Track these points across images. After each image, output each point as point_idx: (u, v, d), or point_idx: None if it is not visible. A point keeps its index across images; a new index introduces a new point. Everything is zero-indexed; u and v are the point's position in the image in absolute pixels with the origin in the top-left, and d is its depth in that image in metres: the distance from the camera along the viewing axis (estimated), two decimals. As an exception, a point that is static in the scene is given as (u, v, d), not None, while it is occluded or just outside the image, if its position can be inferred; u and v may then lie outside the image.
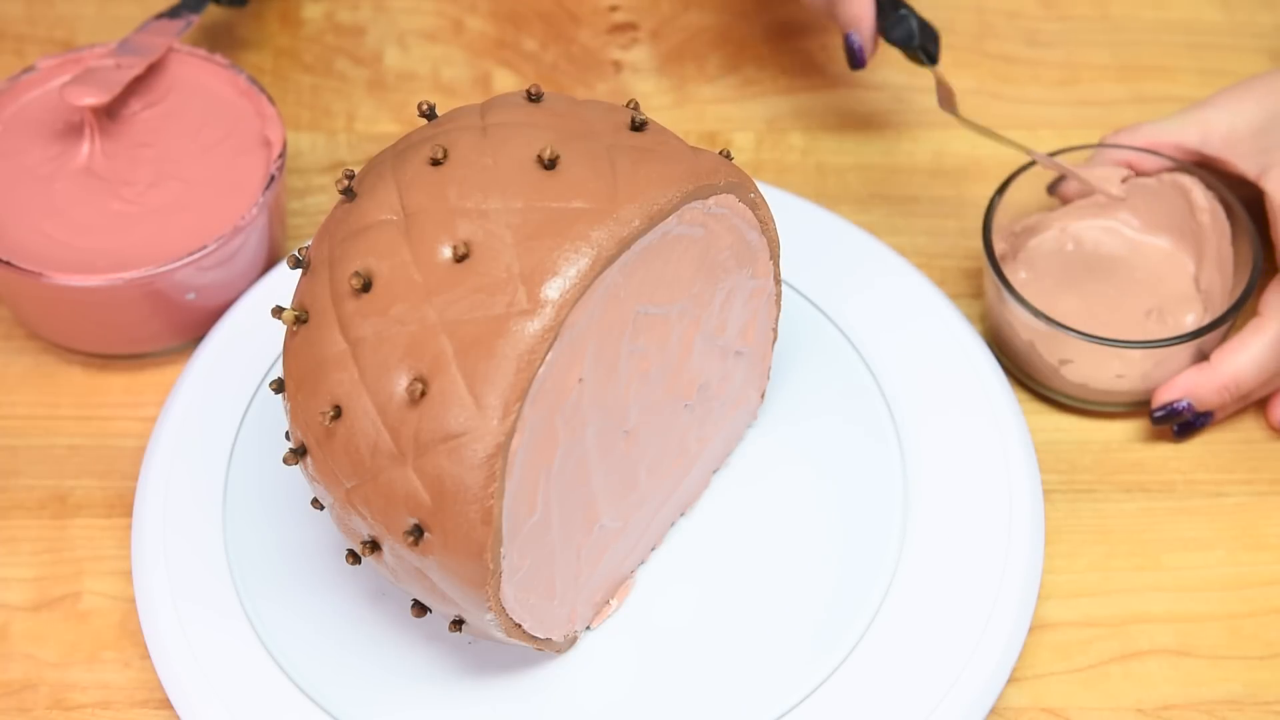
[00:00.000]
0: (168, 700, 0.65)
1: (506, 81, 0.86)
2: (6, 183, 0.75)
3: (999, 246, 0.75)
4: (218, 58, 0.79)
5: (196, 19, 0.80)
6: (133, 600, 0.68)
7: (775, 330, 0.69)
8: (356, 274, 0.55)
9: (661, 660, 0.65)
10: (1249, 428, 0.74)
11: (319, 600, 0.66)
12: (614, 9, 0.89)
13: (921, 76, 0.86)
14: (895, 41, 0.75)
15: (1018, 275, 0.74)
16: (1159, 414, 0.71)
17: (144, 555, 0.67)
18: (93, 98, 0.74)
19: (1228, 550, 0.70)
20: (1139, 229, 0.76)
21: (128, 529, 0.71)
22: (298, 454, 0.58)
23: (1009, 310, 0.71)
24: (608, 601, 0.66)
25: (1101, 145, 0.76)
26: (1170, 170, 0.74)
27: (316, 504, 0.61)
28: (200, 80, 0.78)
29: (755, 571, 0.67)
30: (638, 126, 0.59)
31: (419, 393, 0.54)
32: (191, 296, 0.73)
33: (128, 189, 0.75)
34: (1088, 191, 0.75)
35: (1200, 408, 0.71)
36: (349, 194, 0.58)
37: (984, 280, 0.73)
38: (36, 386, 0.75)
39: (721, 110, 0.85)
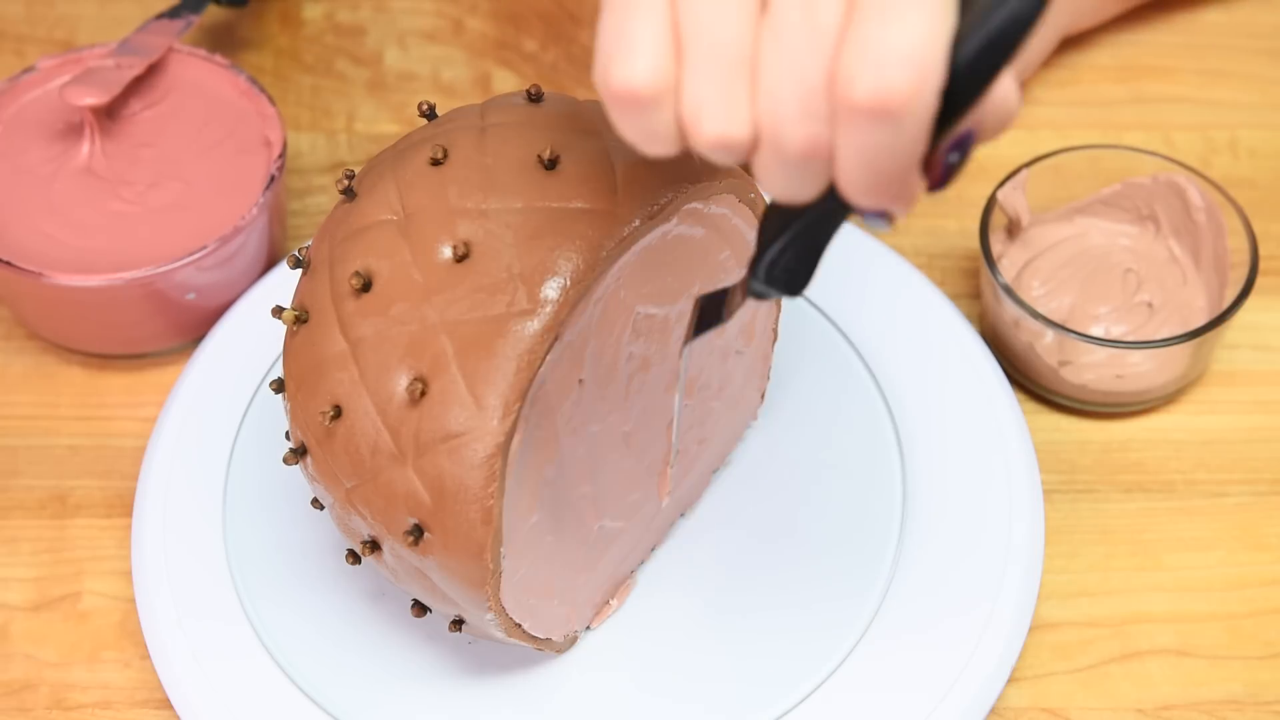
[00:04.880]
0: (168, 700, 0.65)
1: (506, 81, 0.86)
2: (6, 183, 0.75)
3: (997, 248, 0.75)
4: (218, 58, 0.78)
5: (196, 19, 0.80)
6: (133, 600, 0.68)
7: (775, 330, 0.69)
8: (356, 274, 0.55)
9: (661, 660, 0.65)
10: (1249, 427, 0.74)
11: (319, 600, 0.66)
12: (614, 9, 0.89)
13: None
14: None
15: (1030, 284, 0.75)
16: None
17: (144, 555, 0.67)
18: (93, 98, 0.74)
19: (1228, 550, 0.70)
20: (1138, 230, 0.76)
21: (128, 529, 0.71)
22: (298, 454, 0.58)
23: (1007, 311, 0.71)
24: (608, 601, 0.66)
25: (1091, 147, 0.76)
26: (1165, 170, 0.75)
27: (316, 504, 0.61)
28: (200, 80, 0.78)
29: (755, 571, 0.67)
30: None
31: (419, 393, 0.54)
32: (191, 296, 0.73)
33: (128, 189, 0.75)
34: None
35: None
36: (349, 194, 0.58)
37: (981, 281, 0.73)
38: (36, 386, 0.75)
39: (721, 110, 0.85)
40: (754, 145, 0.44)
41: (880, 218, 0.45)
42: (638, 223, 0.56)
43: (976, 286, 0.78)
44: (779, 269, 0.49)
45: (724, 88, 0.43)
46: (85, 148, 0.75)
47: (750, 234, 0.63)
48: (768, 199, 0.48)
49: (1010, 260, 0.75)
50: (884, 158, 0.42)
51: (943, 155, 0.45)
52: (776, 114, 0.43)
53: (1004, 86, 0.45)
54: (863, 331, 0.73)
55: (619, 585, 0.67)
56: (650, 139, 0.45)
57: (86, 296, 0.71)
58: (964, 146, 0.45)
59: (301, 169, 0.83)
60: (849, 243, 0.75)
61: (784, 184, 0.44)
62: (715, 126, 0.43)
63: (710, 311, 0.54)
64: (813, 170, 0.44)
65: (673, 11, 0.44)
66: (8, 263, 0.71)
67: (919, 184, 0.45)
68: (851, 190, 0.44)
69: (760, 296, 0.50)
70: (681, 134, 0.44)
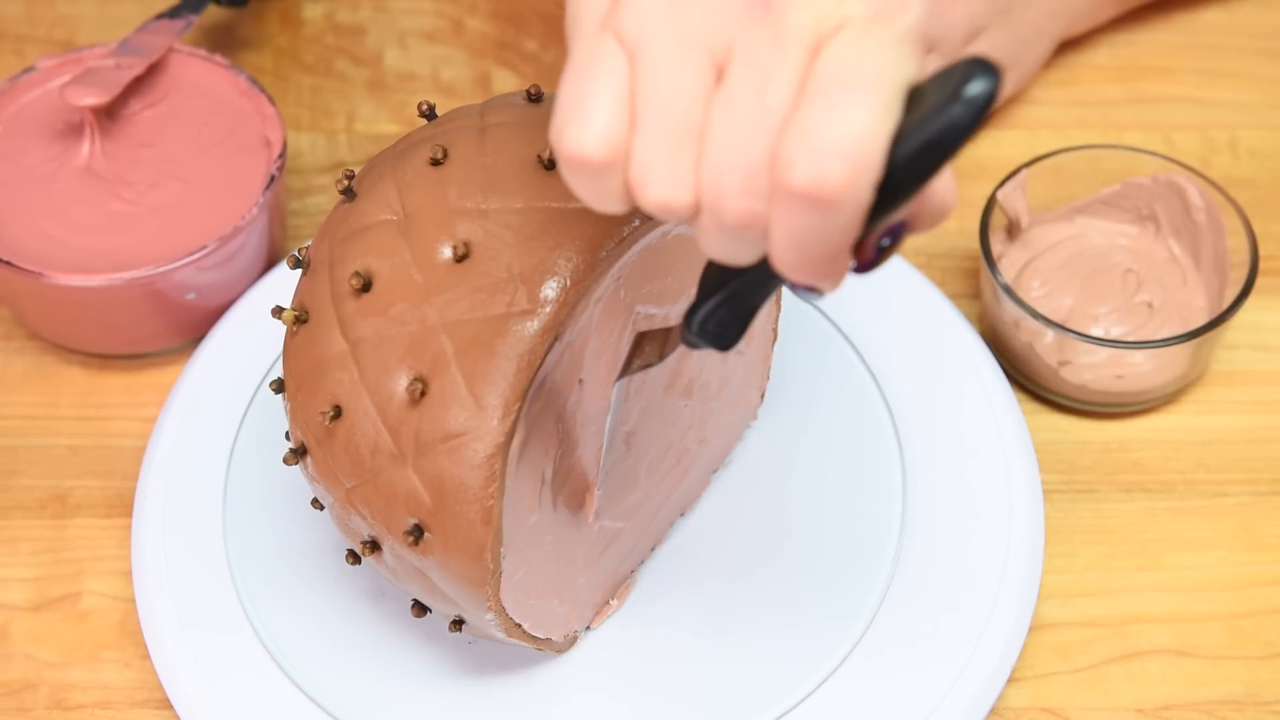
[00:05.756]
0: (168, 700, 0.65)
1: (506, 81, 0.86)
2: (6, 183, 0.75)
3: (997, 248, 0.75)
4: (218, 58, 0.78)
5: (196, 19, 0.80)
6: (133, 600, 0.68)
7: (775, 330, 0.69)
8: (356, 274, 0.55)
9: (662, 660, 0.65)
10: (1249, 427, 0.74)
11: (319, 600, 0.66)
12: (614, 9, 0.89)
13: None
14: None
15: (1030, 285, 0.75)
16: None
17: (144, 555, 0.67)
18: (93, 98, 0.74)
19: (1228, 550, 0.70)
20: (1138, 230, 0.76)
21: (128, 529, 0.71)
22: (298, 454, 0.58)
23: (1007, 311, 0.71)
24: (608, 601, 0.66)
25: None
26: (1165, 170, 0.75)
27: (316, 504, 0.61)
28: (200, 80, 0.78)
29: (755, 571, 0.67)
30: None
31: (419, 393, 0.54)
32: (191, 296, 0.73)
33: (128, 189, 0.75)
34: None
35: None
36: (349, 194, 0.58)
37: (981, 281, 0.73)
38: (36, 386, 0.75)
39: (721, 110, 0.85)
40: (696, 210, 0.45)
41: (809, 291, 0.47)
42: (638, 222, 0.56)
43: (976, 286, 0.78)
44: (711, 324, 0.50)
45: (671, 155, 0.45)
46: (85, 148, 0.75)
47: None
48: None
49: (1010, 260, 0.75)
50: (814, 242, 0.44)
51: (874, 240, 0.46)
52: (718, 185, 0.44)
53: (942, 184, 0.46)
54: (862, 331, 0.73)
55: (619, 585, 0.67)
56: (599, 199, 0.46)
57: (86, 296, 0.71)
58: (896, 234, 0.46)
59: (301, 169, 0.83)
60: (849, 243, 0.75)
61: (721, 249, 0.46)
62: (659, 192, 0.45)
63: (648, 349, 0.55)
64: (749, 240, 0.45)
65: (631, 78, 0.45)
66: (8, 263, 0.71)
67: (846, 265, 0.46)
68: (781, 265, 0.45)
69: (692, 346, 0.51)
70: (628, 197, 0.46)
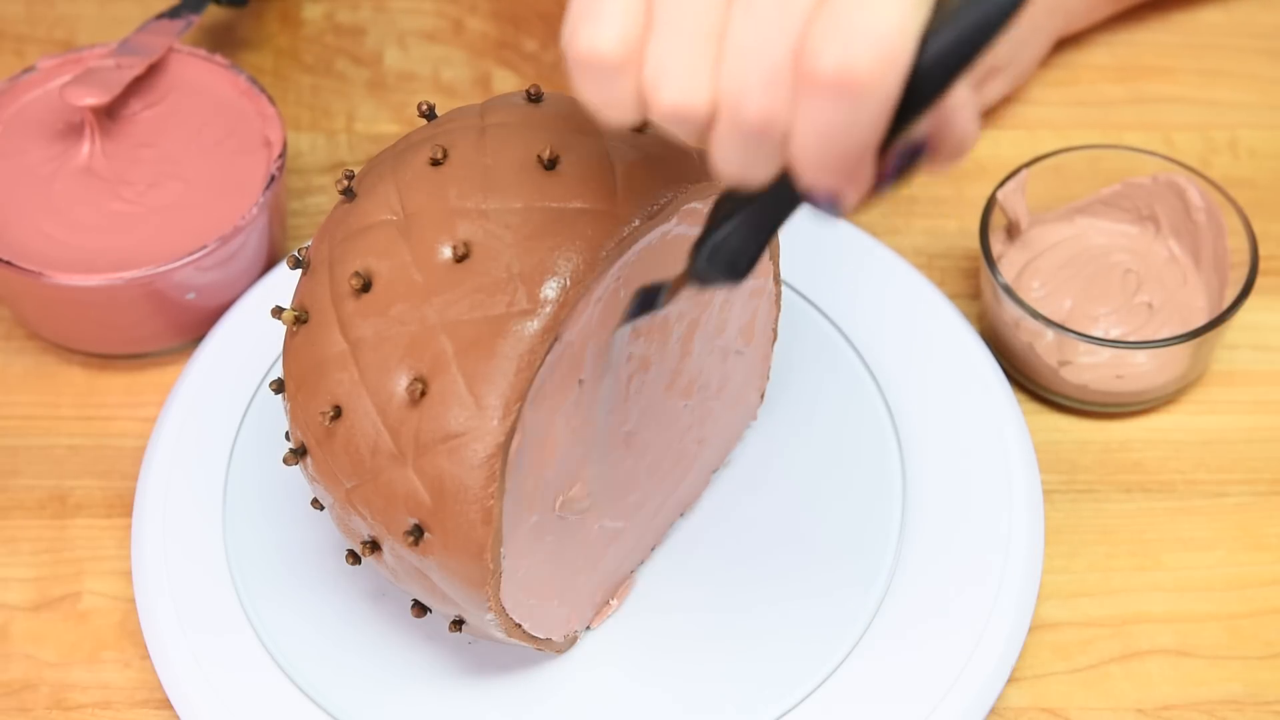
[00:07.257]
0: (168, 700, 0.65)
1: (506, 81, 0.86)
2: (6, 183, 0.75)
3: (996, 248, 0.75)
4: (218, 58, 0.79)
5: (196, 19, 0.80)
6: (133, 600, 0.68)
7: (775, 330, 0.69)
8: (356, 274, 0.55)
9: (661, 660, 0.65)
10: (1249, 427, 0.74)
11: (319, 600, 0.66)
12: (614, 9, 0.89)
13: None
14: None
15: (1030, 285, 0.75)
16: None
17: (144, 555, 0.67)
18: (93, 98, 0.74)
19: (1228, 550, 0.70)
20: (1138, 230, 0.76)
21: (128, 529, 0.71)
22: (298, 454, 0.58)
23: (1007, 311, 0.71)
24: (608, 601, 0.66)
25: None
26: (1165, 170, 0.75)
27: (316, 504, 0.61)
28: (200, 80, 0.78)
29: (755, 571, 0.67)
30: (638, 127, 0.59)
31: (419, 393, 0.54)
32: (191, 296, 0.73)
33: (128, 189, 0.75)
34: None
35: None
36: (349, 194, 0.58)
37: (981, 281, 0.73)
38: (36, 386, 0.75)
39: (721, 110, 0.85)
40: (711, 120, 0.44)
41: (830, 203, 0.45)
42: (638, 223, 0.56)
43: (976, 286, 0.78)
44: (723, 253, 0.49)
45: (688, 57, 0.43)
46: (85, 148, 0.75)
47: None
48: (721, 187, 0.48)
49: (1010, 260, 0.75)
50: (841, 135, 0.42)
51: (895, 154, 0.44)
52: (738, 85, 0.43)
53: (965, 113, 0.45)
54: (862, 332, 0.73)
55: (619, 585, 0.67)
56: (609, 105, 0.45)
57: (86, 296, 0.71)
58: (915, 155, 0.45)
59: (301, 169, 0.83)
60: (849, 243, 0.75)
61: (737, 160, 0.44)
62: (674, 94, 0.44)
63: (647, 300, 0.54)
64: (766, 148, 0.44)
65: None
66: (8, 263, 0.71)
67: (871, 171, 0.44)
68: (804, 166, 0.43)
69: (701, 281, 0.50)
70: (641, 103, 0.45)
